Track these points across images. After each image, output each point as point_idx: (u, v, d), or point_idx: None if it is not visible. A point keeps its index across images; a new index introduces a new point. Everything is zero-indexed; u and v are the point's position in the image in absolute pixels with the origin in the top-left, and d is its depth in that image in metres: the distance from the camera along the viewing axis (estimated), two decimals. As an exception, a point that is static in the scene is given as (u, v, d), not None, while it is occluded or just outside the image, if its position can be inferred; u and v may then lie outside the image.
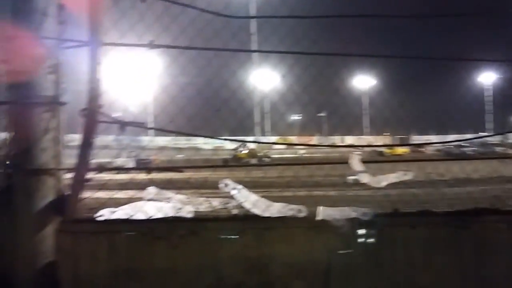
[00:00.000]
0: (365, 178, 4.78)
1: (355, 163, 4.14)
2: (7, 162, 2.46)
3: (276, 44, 3.03)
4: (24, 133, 2.34)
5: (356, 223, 2.32)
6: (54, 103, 2.41)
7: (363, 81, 39.56)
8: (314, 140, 29.28)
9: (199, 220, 2.48)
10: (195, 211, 2.50)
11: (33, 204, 2.35)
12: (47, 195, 2.38)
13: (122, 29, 2.33)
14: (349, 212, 2.36)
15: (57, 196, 2.41)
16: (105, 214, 2.42)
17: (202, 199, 2.42)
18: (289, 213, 2.51)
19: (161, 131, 2.43)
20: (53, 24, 2.31)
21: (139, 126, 2.39)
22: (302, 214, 2.52)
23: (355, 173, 5.22)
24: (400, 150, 19.74)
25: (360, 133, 37.15)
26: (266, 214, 2.55)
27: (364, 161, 4.97)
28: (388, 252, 2.36)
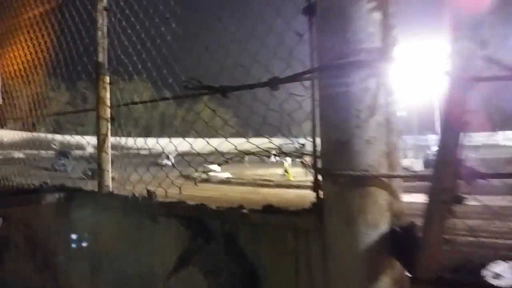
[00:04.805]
0: None
1: None
2: (315, 166, 1.61)
3: None
4: (334, 116, 1.42)
5: None
6: (381, 60, 1.37)
7: None
8: None
9: None
10: None
11: (352, 234, 1.38)
12: (377, 221, 1.35)
13: None
14: None
15: (395, 224, 1.36)
16: (488, 270, 1.17)
17: None
18: None
19: None
20: None
21: None
22: None
23: None
24: None
25: None
26: None
27: None
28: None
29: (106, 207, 2.38)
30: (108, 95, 2.49)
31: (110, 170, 2.50)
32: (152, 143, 2.87)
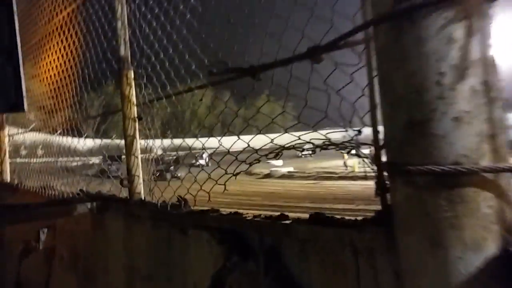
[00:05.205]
0: None
1: None
2: (378, 160, 1.17)
3: None
4: (402, 87, 0.97)
5: None
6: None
7: None
8: None
9: None
10: None
11: (440, 260, 0.92)
12: (480, 239, 0.89)
13: None
14: None
15: (511, 244, 0.89)
16: None
17: None
18: None
19: None
20: None
21: None
22: None
23: None
24: None
25: None
26: None
27: None
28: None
29: (138, 217, 2.11)
30: (133, 92, 2.22)
31: (140, 175, 2.23)
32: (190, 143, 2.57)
